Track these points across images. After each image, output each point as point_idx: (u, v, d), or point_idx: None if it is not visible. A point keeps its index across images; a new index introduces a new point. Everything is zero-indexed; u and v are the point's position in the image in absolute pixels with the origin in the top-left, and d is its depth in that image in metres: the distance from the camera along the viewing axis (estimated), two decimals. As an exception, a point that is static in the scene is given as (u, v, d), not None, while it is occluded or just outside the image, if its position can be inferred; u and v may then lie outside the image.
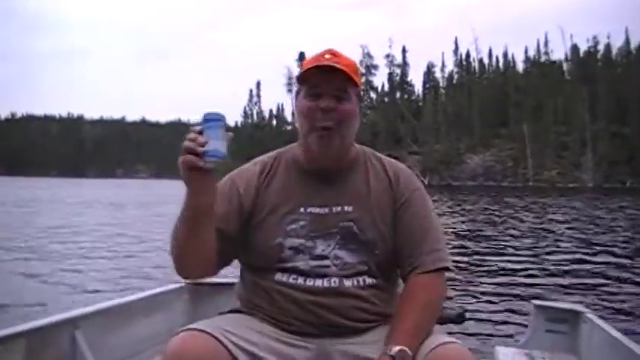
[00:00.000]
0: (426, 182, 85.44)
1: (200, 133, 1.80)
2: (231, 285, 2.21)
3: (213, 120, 1.82)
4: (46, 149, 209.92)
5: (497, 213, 27.22)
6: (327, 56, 2.08)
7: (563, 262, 11.48)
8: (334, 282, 2.04)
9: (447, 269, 2.10)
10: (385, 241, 2.10)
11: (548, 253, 12.88)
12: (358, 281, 2.06)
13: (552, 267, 10.93)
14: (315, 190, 2.14)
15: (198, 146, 1.77)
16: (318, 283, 2.03)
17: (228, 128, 1.84)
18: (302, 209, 2.11)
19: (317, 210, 2.11)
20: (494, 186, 77.90)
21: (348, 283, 2.05)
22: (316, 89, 2.06)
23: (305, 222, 2.09)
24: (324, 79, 2.05)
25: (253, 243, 2.11)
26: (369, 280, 2.08)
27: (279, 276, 2.06)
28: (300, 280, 2.04)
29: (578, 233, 17.43)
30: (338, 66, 2.03)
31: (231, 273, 2.24)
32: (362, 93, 2.22)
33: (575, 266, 11.00)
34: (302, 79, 2.11)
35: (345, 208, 2.11)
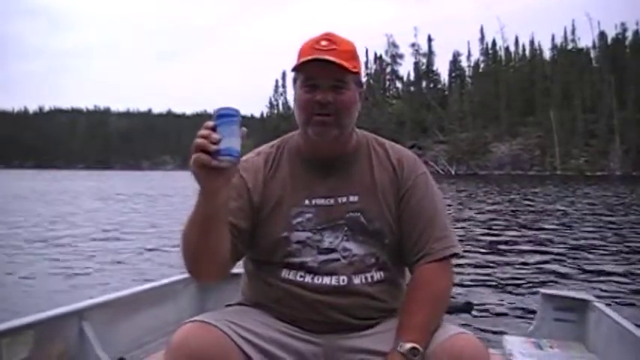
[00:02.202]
0: (453, 171, 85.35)
1: (213, 129, 1.69)
2: (238, 276, 2.23)
3: (227, 115, 1.71)
4: (73, 142, 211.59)
5: (513, 202, 27.04)
6: (323, 43, 2.00)
7: (572, 251, 11.36)
8: (343, 280, 1.99)
9: (456, 255, 2.06)
10: (393, 230, 2.06)
11: (557, 242, 12.76)
12: (367, 278, 2.02)
13: (561, 256, 10.82)
14: (319, 180, 2.08)
15: (211, 144, 1.67)
16: (326, 280, 1.99)
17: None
18: (307, 201, 2.05)
19: (322, 201, 2.06)
20: (522, 175, 77.42)
21: (357, 280, 2.00)
22: (312, 80, 1.99)
23: (311, 214, 2.04)
24: (320, 70, 1.97)
25: (259, 237, 2.05)
26: (377, 276, 2.04)
27: (285, 273, 2.02)
28: (308, 279, 2.00)
29: (592, 222, 17.27)
30: (333, 59, 1.94)
31: (238, 264, 2.15)
32: (362, 79, 2.13)
33: (584, 255, 10.90)
34: (297, 68, 2.03)
35: (351, 198, 2.06)
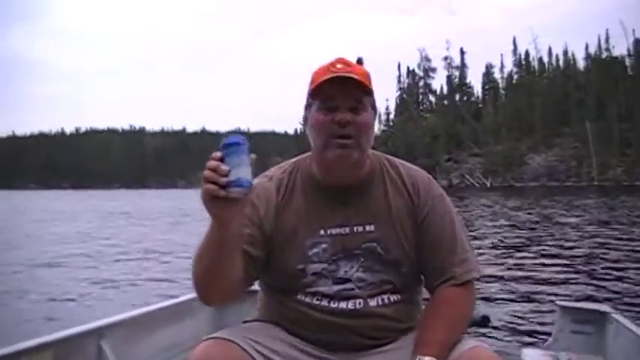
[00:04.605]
0: (488, 184, 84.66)
1: (222, 160, 1.66)
2: (255, 293, 2.25)
3: (234, 144, 1.67)
4: (109, 162, 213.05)
5: (536, 214, 26.74)
6: (338, 66, 1.97)
7: (590, 263, 11.26)
8: (359, 303, 1.98)
9: (477, 278, 2.06)
10: (410, 258, 2.03)
11: (576, 254, 12.65)
12: (383, 299, 2.01)
13: (578, 267, 10.72)
14: (334, 209, 2.05)
15: (220, 176, 1.64)
16: (343, 305, 1.98)
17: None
18: (322, 231, 2.03)
19: (337, 230, 2.03)
20: (558, 186, 76.24)
21: (372, 302, 2.00)
22: (331, 102, 1.96)
23: (326, 245, 2.02)
24: (338, 91, 1.95)
25: (273, 267, 2.04)
26: (393, 297, 2.03)
27: (301, 296, 2.01)
28: (325, 302, 1.99)
29: (612, 233, 17.01)
30: (353, 76, 1.93)
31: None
32: (376, 103, 2.09)
33: (601, 266, 10.78)
34: (315, 92, 2.00)
35: (367, 227, 2.03)
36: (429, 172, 2.24)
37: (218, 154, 1.66)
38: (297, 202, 2.08)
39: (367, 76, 2.01)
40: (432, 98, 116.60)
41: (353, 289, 2.00)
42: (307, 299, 2.01)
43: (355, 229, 2.04)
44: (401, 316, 2.04)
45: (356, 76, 1.93)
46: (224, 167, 1.63)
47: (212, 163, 1.65)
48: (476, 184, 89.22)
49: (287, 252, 2.03)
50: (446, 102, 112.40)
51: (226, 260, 1.82)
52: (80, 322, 2.98)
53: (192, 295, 3.35)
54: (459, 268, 2.01)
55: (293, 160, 2.21)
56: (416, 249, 2.04)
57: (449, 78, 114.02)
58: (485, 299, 7.72)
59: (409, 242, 2.04)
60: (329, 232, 2.03)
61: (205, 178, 1.64)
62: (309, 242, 2.03)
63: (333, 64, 1.99)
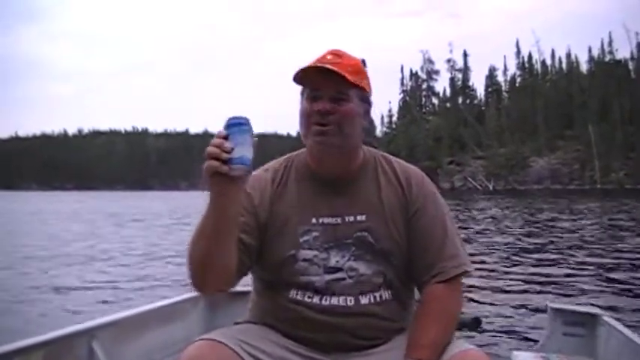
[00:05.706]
0: (491, 187, 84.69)
1: (225, 138, 1.69)
2: (246, 294, 2.24)
3: (238, 124, 1.71)
4: (112, 163, 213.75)
5: (535, 217, 26.66)
6: (329, 57, 1.99)
7: (581, 265, 11.21)
8: (350, 301, 1.97)
9: (467, 272, 2.05)
10: (401, 250, 2.03)
11: (567, 255, 12.63)
12: (375, 297, 2.00)
13: (571, 270, 10.66)
14: (326, 198, 2.06)
15: (223, 153, 1.68)
16: (334, 301, 1.97)
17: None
18: (314, 219, 2.03)
19: (329, 220, 2.03)
20: (561, 189, 76.27)
21: (364, 300, 1.99)
22: (316, 92, 1.98)
23: (318, 233, 2.02)
24: (322, 81, 1.95)
25: (266, 255, 2.03)
26: (385, 295, 2.02)
27: (293, 293, 2.00)
28: (316, 299, 1.98)
29: (604, 236, 17.04)
30: (333, 68, 1.93)
31: (247, 281, 2.18)
32: (369, 94, 2.08)
33: (594, 269, 10.71)
34: (301, 80, 2.01)
35: (358, 217, 2.04)
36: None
37: (222, 132, 1.70)
38: (291, 192, 2.09)
39: (355, 67, 2.01)
40: (434, 101, 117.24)
41: (344, 278, 1.99)
42: (298, 296, 1.99)
43: (347, 219, 2.04)
44: (393, 316, 2.04)
45: (338, 69, 1.93)
46: (227, 144, 1.67)
47: (216, 140, 1.68)
48: (479, 187, 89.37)
49: (280, 239, 2.03)
50: (449, 105, 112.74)
51: (222, 246, 1.82)
52: (71, 322, 2.94)
53: (184, 296, 3.42)
54: (448, 263, 2.01)
55: (290, 154, 2.23)
56: (407, 242, 2.05)
57: (452, 80, 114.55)
58: (477, 301, 7.70)
59: (400, 234, 2.04)
60: (321, 220, 2.04)
61: (209, 154, 1.67)
62: (300, 230, 2.03)
63: (324, 56, 2.00)
